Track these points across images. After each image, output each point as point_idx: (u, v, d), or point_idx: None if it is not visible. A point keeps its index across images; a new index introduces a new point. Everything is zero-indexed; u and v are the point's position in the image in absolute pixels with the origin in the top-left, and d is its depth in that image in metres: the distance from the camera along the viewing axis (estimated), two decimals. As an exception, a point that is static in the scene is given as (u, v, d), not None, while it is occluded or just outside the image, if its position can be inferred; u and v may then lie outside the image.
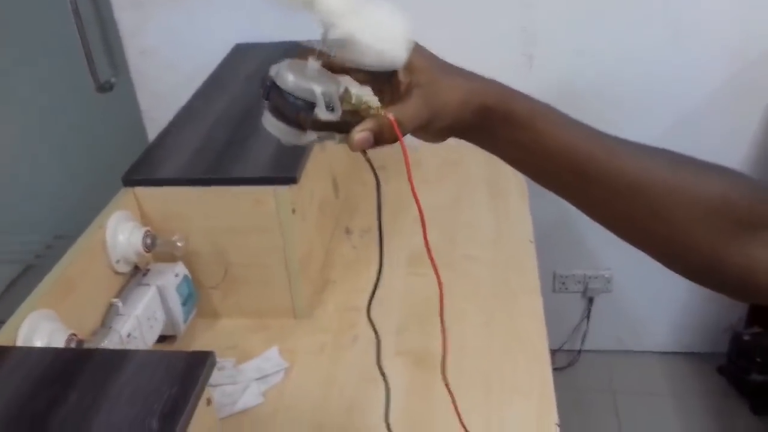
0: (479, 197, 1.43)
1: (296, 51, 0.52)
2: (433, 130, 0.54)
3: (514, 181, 1.47)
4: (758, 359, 1.62)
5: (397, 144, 0.52)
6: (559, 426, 0.91)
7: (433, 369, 1.02)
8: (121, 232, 0.99)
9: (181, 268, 1.06)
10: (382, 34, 0.49)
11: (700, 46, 1.45)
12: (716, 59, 1.47)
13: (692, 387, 1.74)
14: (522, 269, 1.23)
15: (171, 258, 1.07)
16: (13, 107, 1.79)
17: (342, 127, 0.51)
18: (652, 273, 1.68)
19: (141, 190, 1.05)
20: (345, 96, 0.51)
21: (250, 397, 0.99)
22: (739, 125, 1.54)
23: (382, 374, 0.63)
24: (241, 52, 1.50)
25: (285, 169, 1.03)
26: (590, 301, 1.78)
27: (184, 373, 0.69)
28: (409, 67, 0.52)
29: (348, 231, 1.35)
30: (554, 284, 1.78)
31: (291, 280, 1.11)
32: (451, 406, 0.63)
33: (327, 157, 1.28)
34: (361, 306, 1.15)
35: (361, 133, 0.50)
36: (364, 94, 0.51)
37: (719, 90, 1.49)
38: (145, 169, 1.07)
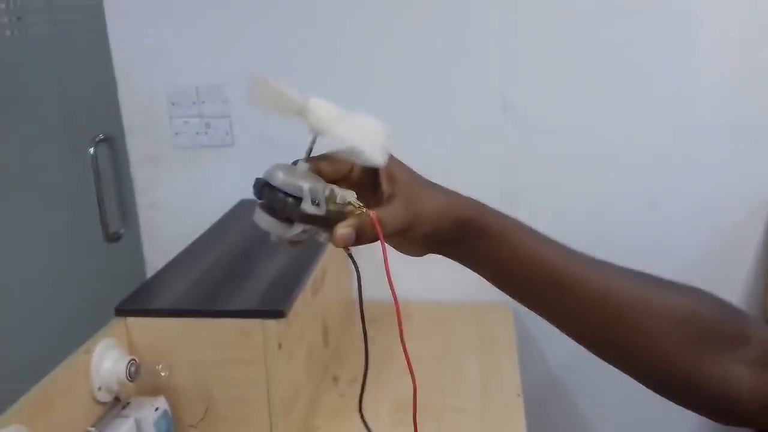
0: (468, 350, 1.44)
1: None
2: (413, 237, 0.57)
3: (504, 339, 1.48)
4: None
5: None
6: None
7: None
8: (106, 358, 1.00)
9: (161, 402, 1.05)
10: (364, 137, 0.55)
11: (678, 214, 1.53)
12: (695, 228, 1.54)
13: None
14: (510, 422, 1.20)
15: (154, 392, 1.07)
16: (26, 252, 1.86)
17: (327, 224, 0.55)
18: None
19: (132, 321, 1.07)
20: (330, 196, 0.55)
21: None
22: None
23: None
24: (244, 206, 1.59)
25: (274, 304, 1.06)
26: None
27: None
28: (390, 177, 0.57)
29: (335, 379, 1.34)
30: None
31: (273, 420, 1.09)
32: None
33: (320, 305, 1.31)
34: (343, 453, 1.12)
35: (344, 228, 0.54)
36: (349, 196, 0.56)
37: (697, 260, 1.55)
38: (138, 301, 1.10)
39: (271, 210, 0.55)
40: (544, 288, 0.57)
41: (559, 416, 1.68)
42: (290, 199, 0.54)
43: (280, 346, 1.05)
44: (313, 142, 0.56)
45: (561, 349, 1.63)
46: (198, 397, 1.08)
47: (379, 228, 0.54)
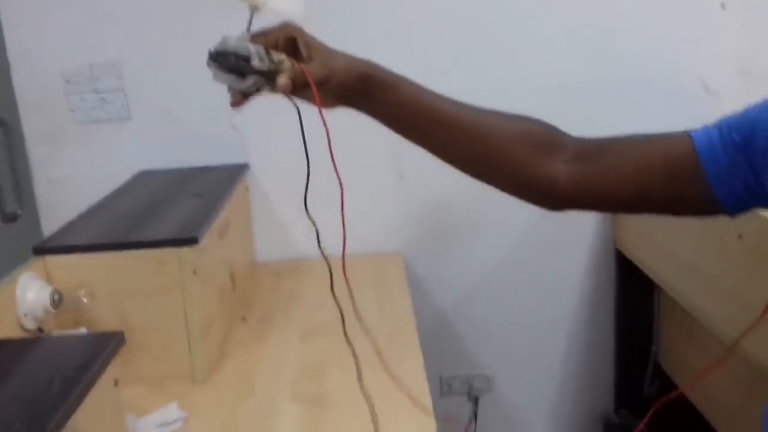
0: (367, 290, 1.58)
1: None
2: (327, 90, 0.74)
3: (397, 280, 1.64)
4: (628, 438, 1.77)
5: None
6: None
7: (327, 406, 1.11)
8: (30, 289, 1.07)
9: (83, 333, 1.13)
10: (286, 4, 0.74)
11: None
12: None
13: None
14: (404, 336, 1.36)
15: (75, 325, 1.14)
16: None
17: (269, 77, 0.71)
18: (529, 369, 1.86)
19: (51, 259, 1.14)
20: (269, 55, 0.71)
21: (149, 443, 1.03)
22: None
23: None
24: (145, 175, 1.68)
25: (188, 232, 1.17)
26: (475, 402, 1.90)
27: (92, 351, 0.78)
28: (306, 45, 0.74)
29: (245, 319, 1.45)
30: (441, 387, 1.89)
31: (191, 346, 1.19)
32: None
33: (226, 249, 1.42)
34: (260, 369, 1.24)
35: (283, 78, 0.71)
36: (282, 55, 0.73)
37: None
38: (55, 240, 1.18)
39: (226, 68, 0.70)
40: (428, 125, 0.78)
41: (447, 345, 1.86)
42: (241, 57, 0.69)
43: (195, 272, 1.16)
44: (251, 17, 0.73)
45: (444, 288, 1.83)
46: (118, 327, 1.17)
47: (308, 74, 0.71)
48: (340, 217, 0.77)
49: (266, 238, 1.80)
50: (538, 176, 0.77)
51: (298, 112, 0.75)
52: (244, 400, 1.14)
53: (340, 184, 0.74)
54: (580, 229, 1.80)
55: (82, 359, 0.77)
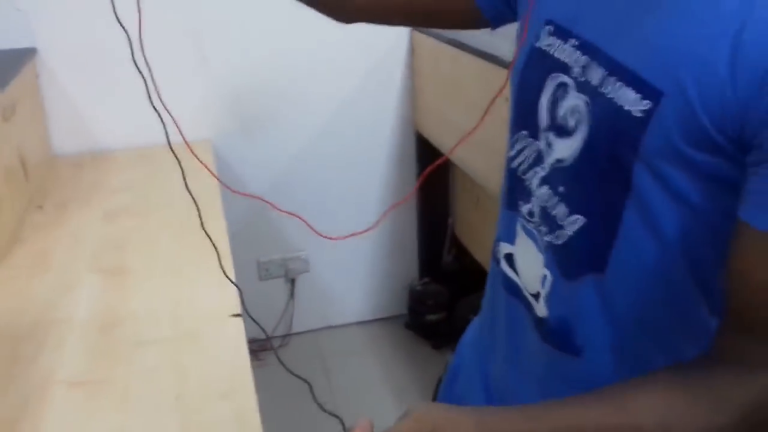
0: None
1: None
2: None
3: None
4: (430, 302, 1.96)
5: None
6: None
7: (127, 275, 1.13)
8: None
9: None
10: None
11: (340, 48, 1.82)
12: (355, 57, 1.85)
13: (388, 344, 2.01)
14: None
15: None
16: None
17: None
18: (341, 248, 1.97)
19: None
20: None
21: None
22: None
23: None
24: None
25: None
26: (292, 283, 1.99)
27: None
28: None
29: (41, 207, 1.40)
30: (259, 272, 1.96)
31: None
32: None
33: (12, 133, 1.35)
34: (57, 249, 1.22)
35: None
36: None
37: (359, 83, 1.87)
38: None
39: None
40: None
41: (263, 230, 1.92)
42: None
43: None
44: None
45: (257, 175, 1.87)
46: None
47: None
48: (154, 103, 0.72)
49: (63, 130, 1.72)
50: None
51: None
52: (41, 275, 1.13)
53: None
54: (383, 113, 1.91)
55: None
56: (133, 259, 1.18)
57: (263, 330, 0.93)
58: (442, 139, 1.75)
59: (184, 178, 0.77)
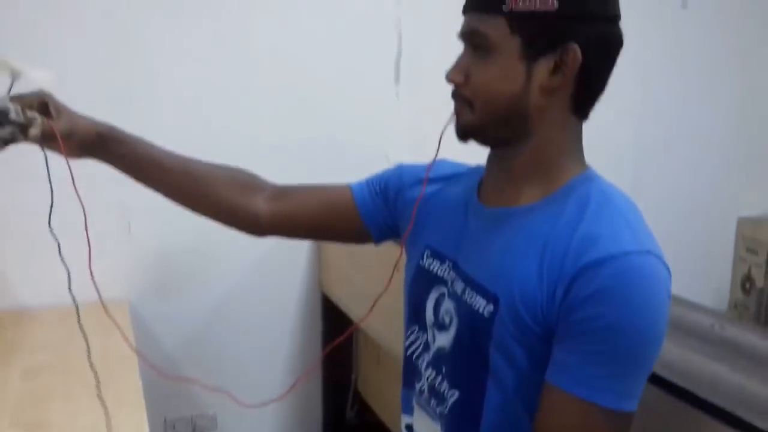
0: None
1: None
2: (72, 144, 0.89)
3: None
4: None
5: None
6: None
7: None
8: None
9: None
10: (39, 75, 0.88)
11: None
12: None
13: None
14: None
15: None
16: None
17: (23, 129, 0.85)
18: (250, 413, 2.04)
19: None
20: (24, 113, 0.86)
21: None
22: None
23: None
24: None
25: None
26: (199, 440, 2.03)
27: None
28: (55, 108, 0.89)
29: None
30: (165, 429, 1.99)
31: None
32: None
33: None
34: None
35: (34, 130, 0.85)
36: (35, 114, 0.87)
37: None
38: None
39: None
40: (154, 171, 0.96)
41: (172, 387, 1.96)
42: (1, 112, 0.83)
43: None
44: (12, 83, 0.88)
45: (170, 333, 1.96)
46: None
47: (55, 128, 0.86)
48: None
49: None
50: (245, 210, 0.99)
51: (45, 158, 0.90)
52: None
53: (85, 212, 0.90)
54: (290, 276, 2.08)
55: None
56: (54, 415, 1.24)
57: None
58: (346, 301, 1.92)
59: (88, 349, 0.95)
